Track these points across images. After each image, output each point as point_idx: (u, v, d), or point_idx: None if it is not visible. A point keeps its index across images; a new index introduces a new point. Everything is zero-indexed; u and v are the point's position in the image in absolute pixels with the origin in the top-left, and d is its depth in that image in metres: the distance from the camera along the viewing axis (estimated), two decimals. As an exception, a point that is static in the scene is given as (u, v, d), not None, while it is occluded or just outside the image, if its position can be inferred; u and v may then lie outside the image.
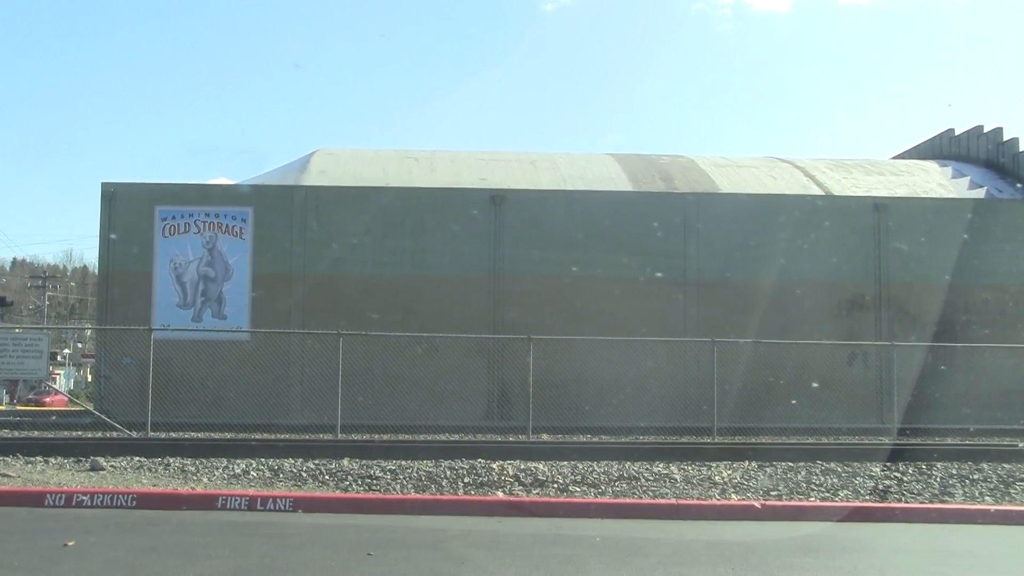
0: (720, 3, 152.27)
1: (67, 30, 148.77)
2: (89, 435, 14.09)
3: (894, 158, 26.93)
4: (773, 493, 10.17)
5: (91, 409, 16.88)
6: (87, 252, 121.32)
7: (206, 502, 9.10)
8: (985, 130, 23.87)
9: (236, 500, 9.04)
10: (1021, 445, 13.15)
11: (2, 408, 27.91)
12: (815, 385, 17.42)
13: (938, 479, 10.90)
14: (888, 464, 11.70)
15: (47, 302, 55.27)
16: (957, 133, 25.00)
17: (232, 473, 10.87)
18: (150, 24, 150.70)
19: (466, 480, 10.48)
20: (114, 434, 14.12)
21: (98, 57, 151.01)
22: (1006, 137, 23.12)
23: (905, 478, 10.95)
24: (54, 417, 19.95)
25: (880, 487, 10.50)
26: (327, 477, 10.66)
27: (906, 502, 9.86)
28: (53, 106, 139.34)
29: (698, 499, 9.79)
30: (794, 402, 17.12)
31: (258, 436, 13.82)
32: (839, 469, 11.42)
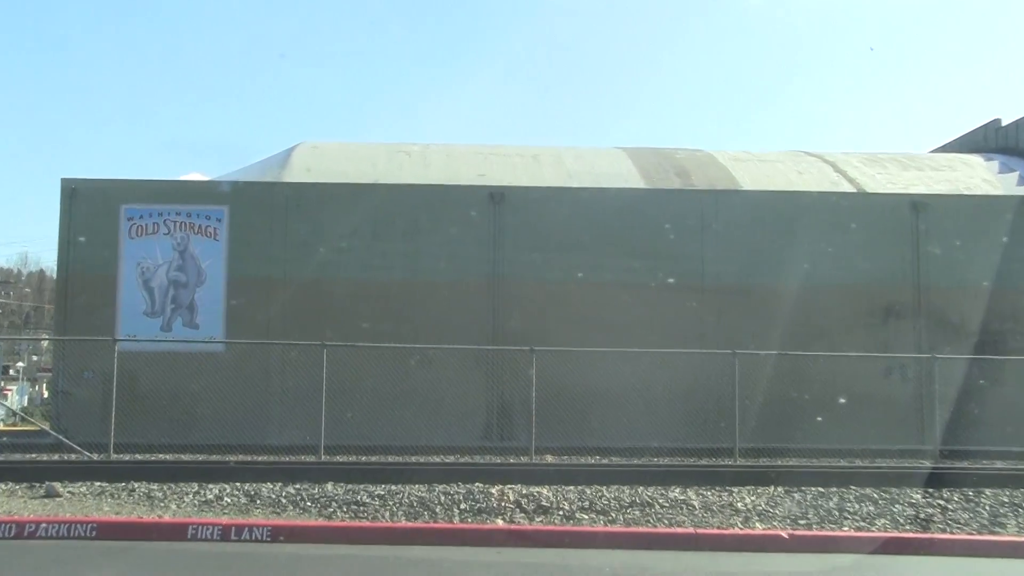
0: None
1: (24, 11, 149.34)
2: (44, 457, 14.03)
3: (934, 151, 26.87)
4: (802, 521, 10.13)
5: None
6: (44, 255, 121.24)
7: (175, 531, 9.05)
8: (1034, 120, 23.79)
9: (209, 529, 9.01)
10: None
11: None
12: (846, 401, 17.33)
13: (987, 508, 10.82)
14: (930, 490, 11.65)
15: None
16: (1004, 124, 24.91)
17: (204, 499, 10.84)
18: (119, 8, 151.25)
19: (462, 506, 10.47)
20: (72, 456, 14.04)
21: (61, 44, 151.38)
22: (1057, 127, 23.04)
23: (950, 506, 10.88)
24: (5, 438, 19.83)
25: (922, 516, 10.42)
26: (309, 503, 10.63)
27: (951, 533, 9.79)
28: (8, 95, 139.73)
29: (718, 528, 9.77)
30: (822, 419, 17.04)
31: (233, 458, 13.78)
32: (875, 495, 11.37)
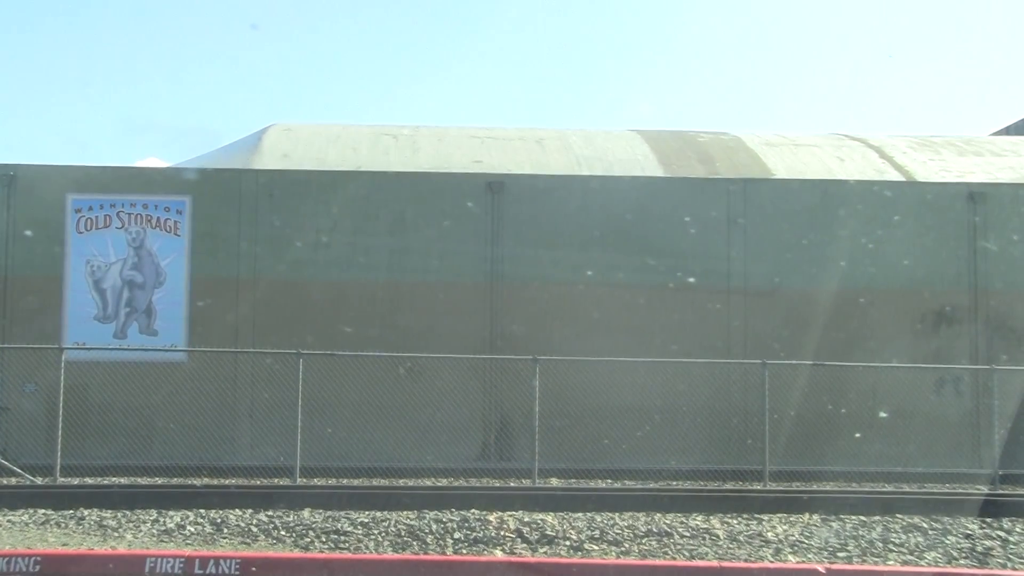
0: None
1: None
2: (-21, 482, 14.05)
3: (995, 134, 26.89)
4: (841, 554, 10.18)
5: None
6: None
7: (131, 564, 9.09)
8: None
9: (169, 562, 9.04)
10: None
11: None
12: (891, 418, 17.37)
13: (1056, 539, 10.88)
14: (988, 519, 11.71)
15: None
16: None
17: (164, 528, 10.90)
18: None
19: (456, 535, 10.55)
20: (13, 480, 14.08)
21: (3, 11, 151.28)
22: None
23: (1012, 538, 10.94)
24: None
25: (979, 549, 10.46)
26: (283, 532, 10.70)
27: (1014, 568, 9.83)
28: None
29: (746, 561, 9.83)
30: (863, 438, 17.09)
31: (197, 481, 13.83)
32: (924, 525, 11.43)
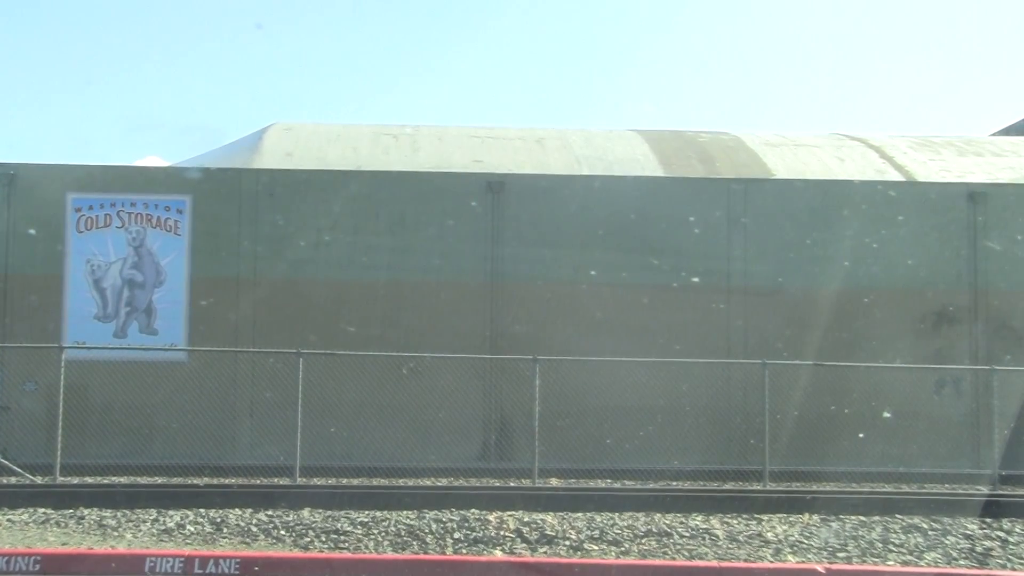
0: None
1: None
2: (-21, 481, 14.08)
3: (995, 134, 26.89)
4: (841, 554, 10.21)
5: None
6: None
7: (131, 564, 9.15)
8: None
9: (169, 561, 9.09)
10: None
11: None
12: (890, 416, 17.39)
13: (1055, 539, 10.91)
14: (987, 520, 11.74)
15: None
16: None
17: (164, 527, 10.94)
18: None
19: (456, 535, 10.59)
20: (13, 479, 14.10)
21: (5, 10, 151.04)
22: None
23: (1011, 538, 10.98)
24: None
25: (979, 549, 10.50)
26: (283, 532, 10.74)
27: (1013, 569, 9.86)
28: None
29: (746, 561, 9.87)
30: (862, 435, 17.12)
31: (197, 481, 13.85)
32: (924, 525, 11.47)
